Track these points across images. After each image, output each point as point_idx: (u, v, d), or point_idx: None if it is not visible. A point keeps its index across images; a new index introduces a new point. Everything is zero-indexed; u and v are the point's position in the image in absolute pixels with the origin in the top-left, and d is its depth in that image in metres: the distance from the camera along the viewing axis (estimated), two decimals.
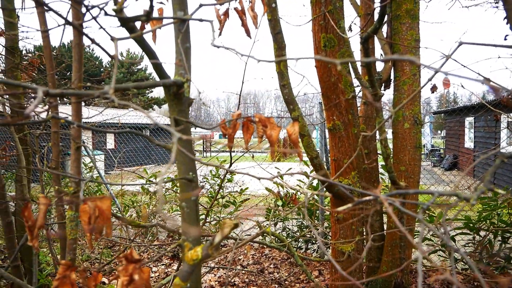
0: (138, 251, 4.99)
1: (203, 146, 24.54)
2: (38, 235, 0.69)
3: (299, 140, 2.51)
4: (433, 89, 2.18)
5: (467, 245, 4.30)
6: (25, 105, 2.24)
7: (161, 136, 14.87)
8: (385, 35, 3.04)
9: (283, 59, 2.04)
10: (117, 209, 5.66)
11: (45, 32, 1.47)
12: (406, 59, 0.63)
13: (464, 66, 1.90)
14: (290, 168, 5.39)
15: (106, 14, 0.74)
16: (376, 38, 3.13)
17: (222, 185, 5.56)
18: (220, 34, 1.65)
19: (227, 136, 1.08)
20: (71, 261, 1.18)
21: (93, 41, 0.79)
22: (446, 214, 0.81)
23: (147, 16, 0.79)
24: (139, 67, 35.51)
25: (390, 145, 2.98)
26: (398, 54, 2.71)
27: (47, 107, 1.41)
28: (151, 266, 4.70)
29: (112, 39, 0.68)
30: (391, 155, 2.95)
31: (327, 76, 2.53)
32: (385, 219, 3.32)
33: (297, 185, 5.62)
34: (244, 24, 1.59)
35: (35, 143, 1.92)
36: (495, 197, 4.00)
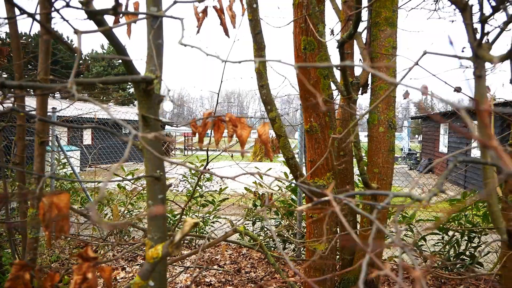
0: (113, 251, 4.90)
1: (185, 145, 24.30)
2: None
3: (276, 140, 2.52)
4: (406, 95, 2.24)
5: (436, 244, 4.45)
6: None
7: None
8: (364, 41, 3.09)
9: (262, 60, 2.04)
10: None
11: (11, 19, 1.42)
12: (365, 68, 0.64)
13: (434, 75, 1.95)
14: (270, 168, 5.40)
15: (68, 6, 0.72)
16: (356, 43, 3.17)
17: (199, 183, 5.52)
18: (198, 31, 1.64)
19: (197, 135, 1.07)
20: (31, 261, 1.14)
21: (54, 35, 0.76)
22: (398, 214, 0.83)
23: (114, 10, 0.77)
24: (120, 61, 34.78)
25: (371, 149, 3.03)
26: (375, 60, 2.76)
27: (13, 99, 1.36)
28: (125, 266, 4.61)
29: (76, 32, 0.66)
30: (366, 158, 3.00)
31: (306, 78, 2.55)
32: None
33: (277, 185, 5.65)
34: (223, 23, 1.58)
35: None
36: (463, 199, 4.15)
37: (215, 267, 4.70)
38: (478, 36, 1.06)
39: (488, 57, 1.14)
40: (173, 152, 22.80)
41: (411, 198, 0.91)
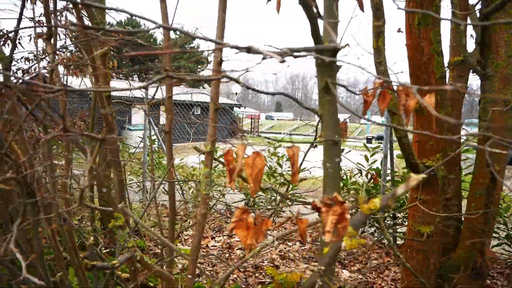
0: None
1: (251, 128, 24.73)
2: (234, 179, 0.79)
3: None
4: None
5: None
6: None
7: (219, 114, 15.09)
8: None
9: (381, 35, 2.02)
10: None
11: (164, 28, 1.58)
12: None
13: None
14: (350, 151, 5.34)
15: None
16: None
17: (279, 162, 5.69)
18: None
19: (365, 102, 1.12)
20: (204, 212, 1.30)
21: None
22: None
23: None
24: (191, 45, 35.93)
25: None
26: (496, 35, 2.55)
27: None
28: (214, 236, 4.95)
29: None
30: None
31: (419, 55, 2.47)
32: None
33: (357, 168, 5.57)
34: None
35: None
36: None
37: (297, 244, 4.84)
38: None
39: None
40: (239, 134, 23.37)
41: None
